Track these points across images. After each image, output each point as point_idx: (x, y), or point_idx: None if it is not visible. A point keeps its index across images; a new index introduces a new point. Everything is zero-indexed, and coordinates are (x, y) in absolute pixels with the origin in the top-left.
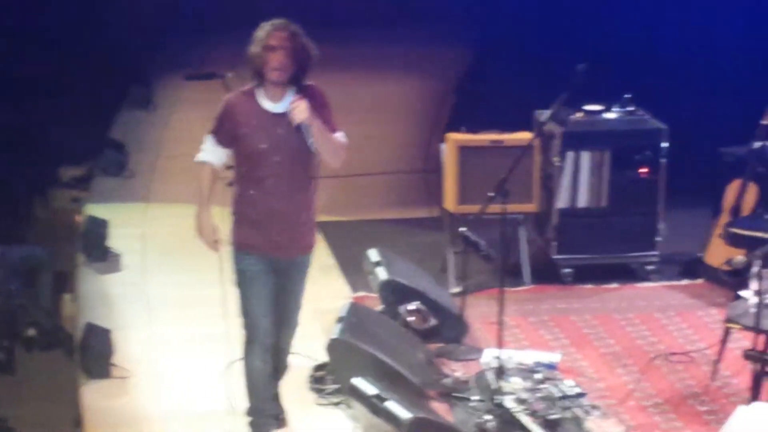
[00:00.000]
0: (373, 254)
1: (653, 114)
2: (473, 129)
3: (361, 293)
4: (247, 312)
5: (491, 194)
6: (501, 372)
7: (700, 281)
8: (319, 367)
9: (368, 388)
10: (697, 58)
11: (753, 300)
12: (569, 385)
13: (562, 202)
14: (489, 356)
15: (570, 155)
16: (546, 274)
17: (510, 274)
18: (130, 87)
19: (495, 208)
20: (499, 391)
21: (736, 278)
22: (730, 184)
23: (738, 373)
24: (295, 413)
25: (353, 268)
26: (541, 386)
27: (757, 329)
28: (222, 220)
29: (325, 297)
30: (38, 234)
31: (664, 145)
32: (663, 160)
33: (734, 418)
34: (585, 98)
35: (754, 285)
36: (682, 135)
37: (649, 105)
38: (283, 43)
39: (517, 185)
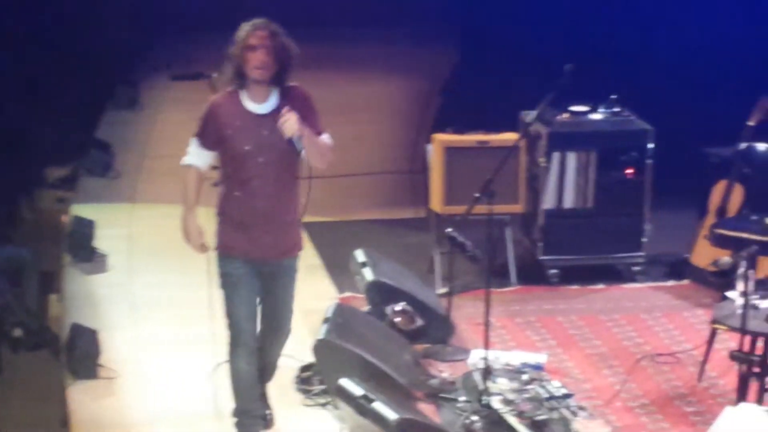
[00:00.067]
0: (360, 255)
1: (639, 115)
2: (459, 129)
3: (347, 294)
4: (231, 315)
5: (477, 195)
6: (488, 373)
7: (686, 282)
8: (306, 368)
9: (355, 388)
10: (683, 59)
11: (739, 301)
12: (556, 386)
13: (548, 202)
14: (476, 357)
15: (556, 156)
16: (532, 274)
17: (496, 275)
18: (116, 87)
19: (481, 208)
20: (486, 392)
21: (722, 279)
22: (715, 185)
23: (724, 374)
24: (281, 414)
25: (339, 269)
26: (528, 387)
27: (743, 330)
28: (208, 220)
29: (311, 297)
30: (24, 234)
31: (650, 146)
32: (649, 161)
33: (721, 419)
34: (571, 99)
35: (740, 286)
36: (668, 136)
37: (634, 106)
38: (264, 41)
39: (504, 186)
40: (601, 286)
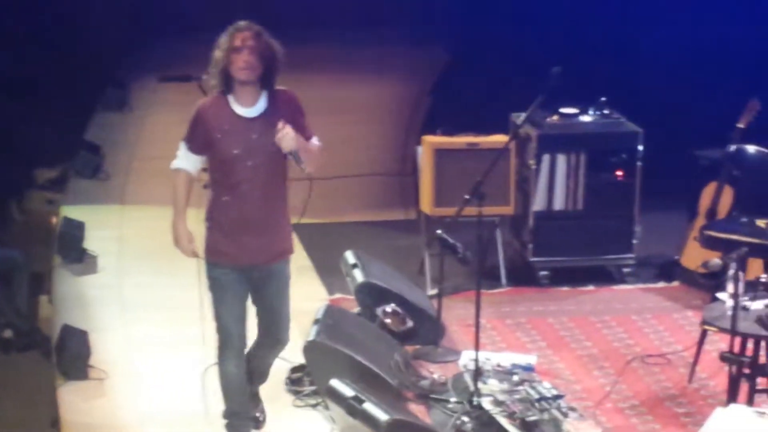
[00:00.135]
0: (350, 256)
1: (629, 117)
2: (449, 131)
3: (337, 295)
4: (219, 318)
5: (467, 197)
6: (478, 374)
7: (676, 284)
8: (296, 369)
9: (345, 389)
10: (673, 61)
11: (729, 303)
12: (546, 387)
13: (538, 204)
14: (466, 358)
15: (546, 158)
16: (522, 276)
17: (486, 277)
18: (105, 89)
19: (471, 210)
20: (476, 393)
21: (712, 281)
22: (705, 187)
23: (714, 375)
24: (272, 415)
25: (329, 270)
26: (519, 388)
27: (733, 332)
28: (198, 222)
29: (301, 299)
30: (14, 236)
31: (640, 147)
32: (639, 163)
33: (712, 420)
34: (561, 101)
35: (730, 287)
36: (658, 138)
37: (624, 108)
38: (247, 42)
39: (494, 188)
40: (591, 287)
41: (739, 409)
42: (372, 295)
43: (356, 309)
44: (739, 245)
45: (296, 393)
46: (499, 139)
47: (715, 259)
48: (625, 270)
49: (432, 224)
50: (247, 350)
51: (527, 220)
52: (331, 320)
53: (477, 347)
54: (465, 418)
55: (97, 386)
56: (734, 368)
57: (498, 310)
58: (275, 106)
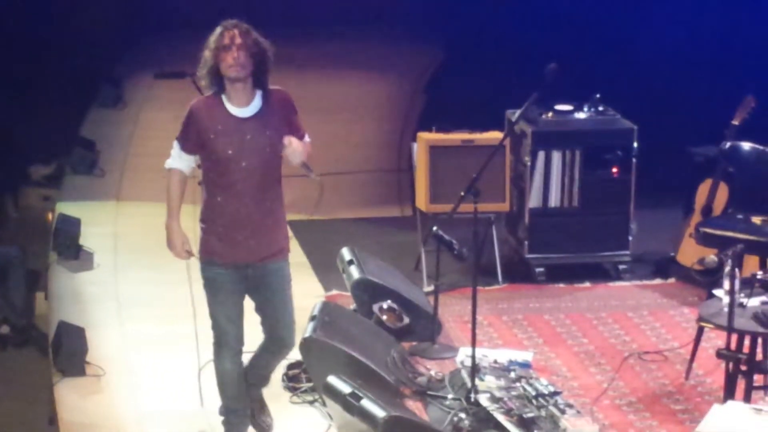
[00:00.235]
0: (347, 253)
1: (624, 114)
2: (444, 128)
3: (333, 292)
4: (214, 318)
5: (462, 193)
6: (475, 370)
7: (672, 280)
8: (293, 366)
9: (343, 386)
10: (668, 58)
11: (725, 299)
12: (543, 384)
13: (533, 201)
14: (463, 355)
15: (541, 155)
16: (519, 273)
17: (483, 273)
18: (100, 85)
19: (467, 207)
20: (473, 390)
21: (708, 278)
22: (701, 184)
23: (711, 372)
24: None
25: (326, 267)
26: (516, 385)
27: (729, 328)
28: (195, 218)
29: (297, 296)
30: (10, 233)
31: (635, 144)
32: (634, 160)
33: (709, 417)
34: (555, 98)
35: (726, 284)
36: (653, 135)
37: (619, 105)
38: (236, 39)
39: (489, 185)
40: (587, 284)
41: (736, 405)
42: (368, 291)
43: (352, 306)
44: (735, 242)
45: (293, 390)
46: (494, 135)
47: (711, 256)
48: (621, 267)
49: (428, 221)
50: (252, 355)
51: (523, 217)
52: (327, 317)
53: (474, 344)
54: (462, 415)
55: (94, 383)
56: (731, 365)
57: (494, 307)
58: (269, 105)
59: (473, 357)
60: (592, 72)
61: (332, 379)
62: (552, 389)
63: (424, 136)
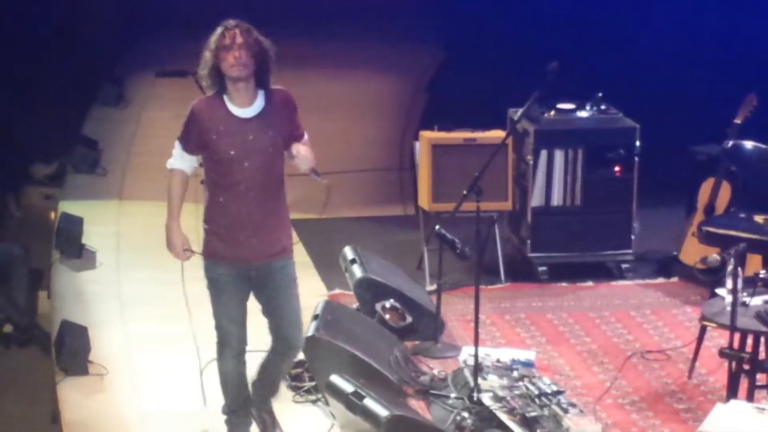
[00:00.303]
0: (349, 252)
1: (626, 112)
2: (446, 127)
3: (336, 291)
4: (217, 319)
5: (465, 192)
6: (478, 369)
7: (674, 279)
8: (296, 365)
9: (345, 385)
10: (670, 57)
11: (728, 298)
12: (546, 383)
13: (536, 200)
14: (466, 354)
15: (543, 154)
16: (521, 272)
17: (485, 272)
18: (102, 84)
19: (470, 206)
20: (476, 389)
21: (711, 276)
22: (703, 183)
23: (714, 371)
24: None
25: (328, 266)
26: (519, 384)
27: (732, 327)
28: (197, 217)
29: (300, 295)
30: (12, 231)
31: (637, 143)
32: (636, 159)
33: (712, 416)
34: (558, 96)
35: (728, 283)
36: (655, 133)
37: (621, 103)
38: (237, 39)
39: (492, 184)
40: (590, 283)
41: (739, 404)
42: (371, 290)
43: (355, 304)
44: (738, 241)
45: (296, 389)
46: (497, 134)
47: (714, 255)
48: (624, 266)
49: (430, 219)
50: (260, 360)
51: (525, 215)
52: (330, 316)
53: (476, 343)
54: (465, 414)
55: (96, 382)
56: (734, 364)
57: (497, 306)
58: (272, 105)
59: (476, 356)
60: (594, 71)
61: (335, 378)
62: (555, 388)
63: (426, 134)
